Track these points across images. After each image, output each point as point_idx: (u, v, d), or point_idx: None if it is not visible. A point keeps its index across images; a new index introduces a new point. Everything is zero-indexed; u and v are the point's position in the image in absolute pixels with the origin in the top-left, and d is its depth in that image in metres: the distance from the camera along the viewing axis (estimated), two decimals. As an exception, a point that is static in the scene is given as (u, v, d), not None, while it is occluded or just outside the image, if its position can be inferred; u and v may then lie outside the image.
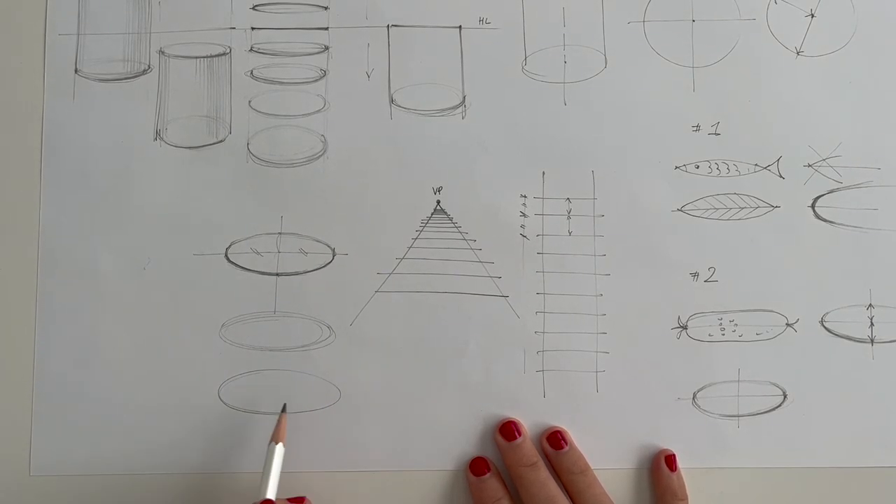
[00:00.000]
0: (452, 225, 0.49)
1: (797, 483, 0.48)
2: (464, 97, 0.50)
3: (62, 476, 0.47)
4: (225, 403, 0.47)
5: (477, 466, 0.47)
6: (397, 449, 0.48)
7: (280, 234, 0.49)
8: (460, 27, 0.50)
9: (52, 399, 0.47)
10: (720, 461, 0.48)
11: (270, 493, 0.41)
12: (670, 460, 0.47)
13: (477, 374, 0.48)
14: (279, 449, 0.43)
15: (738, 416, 0.48)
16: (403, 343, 0.48)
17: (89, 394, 0.47)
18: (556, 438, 0.47)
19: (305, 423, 0.47)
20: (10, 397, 0.47)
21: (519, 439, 0.47)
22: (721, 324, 0.49)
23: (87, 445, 0.47)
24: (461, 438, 0.48)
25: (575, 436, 0.48)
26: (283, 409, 0.47)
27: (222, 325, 0.48)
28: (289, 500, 0.43)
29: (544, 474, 0.46)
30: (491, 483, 0.46)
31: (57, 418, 0.47)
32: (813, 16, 0.50)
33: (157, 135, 0.49)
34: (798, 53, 0.50)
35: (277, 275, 0.48)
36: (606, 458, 0.48)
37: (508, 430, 0.47)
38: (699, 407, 0.48)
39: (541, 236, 0.49)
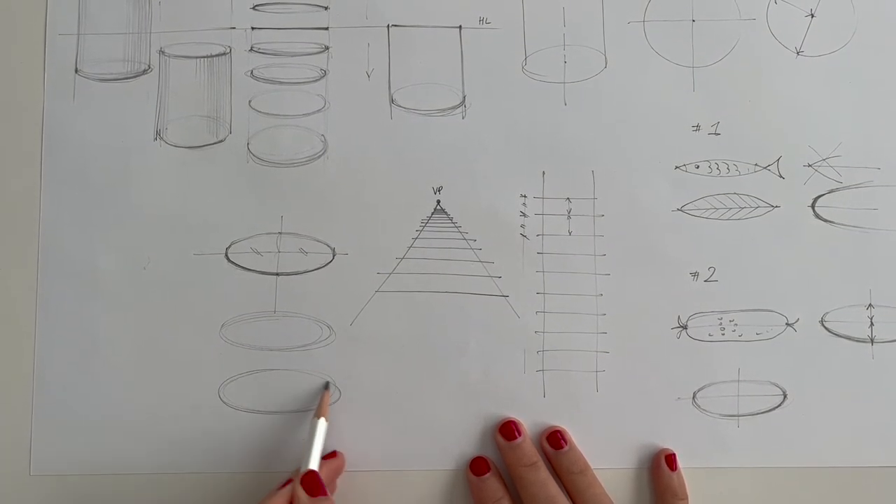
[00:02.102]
0: (452, 225, 0.49)
1: (797, 483, 0.48)
2: (464, 97, 0.50)
3: (62, 476, 0.47)
4: (225, 403, 0.47)
5: (477, 466, 0.47)
6: (397, 449, 0.48)
7: (280, 233, 0.49)
8: (460, 27, 0.50)
9: (52, 399, 0.47)
10: (720, 461, 0.48)
11: (314, 465, 0.42)
12: (670, 459, 0.47)
13: (477, 374, 0.48)
14: (322, 423, 0.44)
15: (738, 415, 0.48)
16: (403, 343, 0.48)
17: (89, 394, 0.47)
18: (556, 438, 0.47)
19: (305, 423, 0.47)
20: (10, 397, 0.47)
21: (519, 439, 0.47)
22: (721, 324, 0.49)
23: (87, 445, 0.47)
24: (461, 438, 0.48)
25: (575, 436, 0.48)
26: (326, 387, 0.47)
27: (222, 325, 0.48)
28: (324, 457, 0.45)
29: (544, 474, 0.46)
30: (491, 483, 0.46)
31: (57, 418, 0.47)
32: (813, 16, 0.50)
33: (158, 135, 0.49)
34: (798, 53, 0.50)
35: (277, 274, 0.48)
36: (606, 458, 0.48)
37: (508, 429, 0.47)
38: (699, 407, 0.48)
39: (541, 236, 0.49)
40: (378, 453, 0.48)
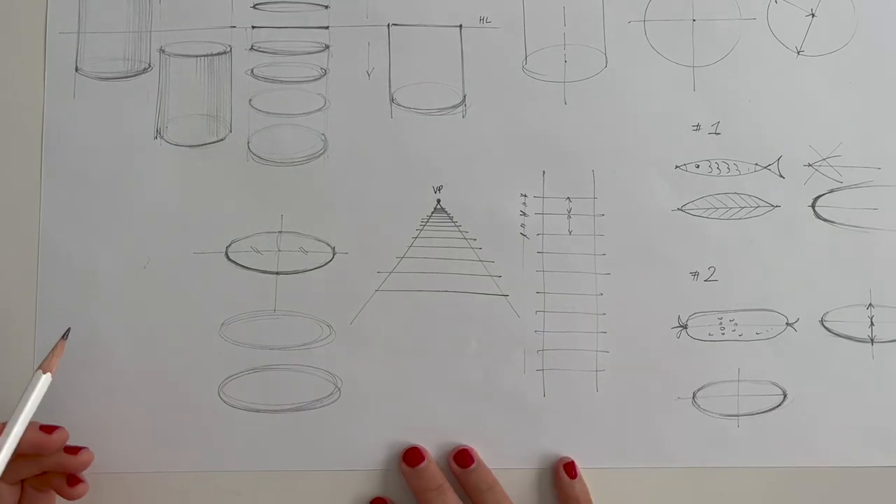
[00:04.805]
0: (453, 224, 0.49)
1: (797, 483, 0.48)
2: (464, 96, 0.50)
3: (62, 475, 0.47)
4: (225, 402, 0.47)
5: (412, 456, 0.46)
6: (397, 449, 0.48)
7: (280, 232, 0.49)
8: (460, 26, 0.50)
9: (53, 398, 0.47)
10: (720, 461, 0.48)
11: (24, 423, 0.40)
12: (569, 468, 0.47)
13: (477, 374, 0.48)
14: (46, 378, 0.42)
15: (738, 415, 0.48)
16: (403, 342, 0.48)
17: (89, 394, 0.47)
18: (463, 457, 0.46)
19: (305, 421, 0.47)
20: (10, 397, 0.47)
21: (423, 464, 0.46)
22: (721, 323, 0.49)
23: (87, 445, 0.47)
24: (461, 438, 0.48)
25: (575, 436, 0.48)
26: (65, 336, 0.44)
27: (222, 324, 0.48)
28: (42, 426, 0.42)
29: (451, 495, 0.45)
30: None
31: (57, 418, 0.47)
32: (813, 15, 0.50)
33: (158, 133, 0.49)
34: (798, 53, 0.50)
35: (278, 273, 0.48)
36: (606, 457, 0.48)
37: (412, 455, 0.46)
38: (699, 406, 0.48)
39: (541, 235, 0.49)
40: (378, 453, 0.47)
